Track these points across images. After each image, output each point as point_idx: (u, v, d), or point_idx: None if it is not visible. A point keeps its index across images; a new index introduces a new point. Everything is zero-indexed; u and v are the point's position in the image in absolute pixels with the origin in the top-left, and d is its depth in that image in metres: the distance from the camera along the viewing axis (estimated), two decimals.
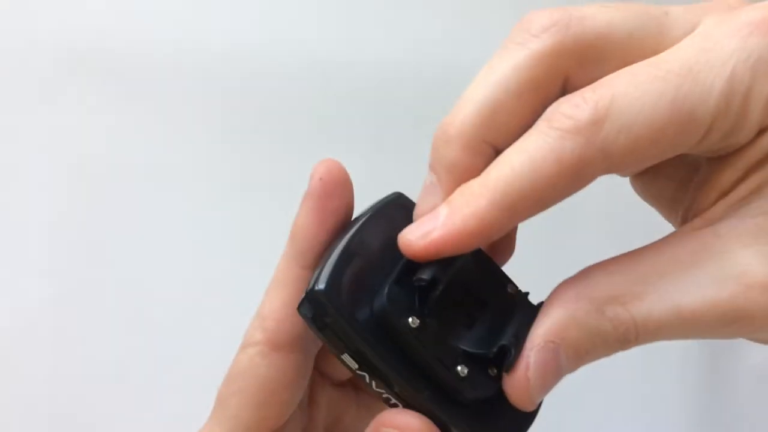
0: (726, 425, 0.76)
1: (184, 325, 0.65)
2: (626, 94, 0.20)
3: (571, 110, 0.20)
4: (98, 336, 0.63)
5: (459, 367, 0.22)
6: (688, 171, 0.25)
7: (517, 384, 0.21)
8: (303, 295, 0.23)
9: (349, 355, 0.22)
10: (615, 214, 0.69)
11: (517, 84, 0.21)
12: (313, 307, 0.22)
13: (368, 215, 0.24)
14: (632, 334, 0.20)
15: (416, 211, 0.23)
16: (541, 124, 0.20)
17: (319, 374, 0.29)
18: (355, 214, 0.26)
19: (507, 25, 0.23)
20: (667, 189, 0.26)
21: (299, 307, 0.23)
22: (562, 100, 0.20)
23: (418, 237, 0.21)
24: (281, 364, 0.25)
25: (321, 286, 0.22)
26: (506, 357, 0.21)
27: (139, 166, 0.65)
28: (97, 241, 0.64)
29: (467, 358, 0.22)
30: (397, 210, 0.25)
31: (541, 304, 0.22)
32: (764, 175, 0.20)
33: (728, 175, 0.21)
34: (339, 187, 0.24)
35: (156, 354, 0.64)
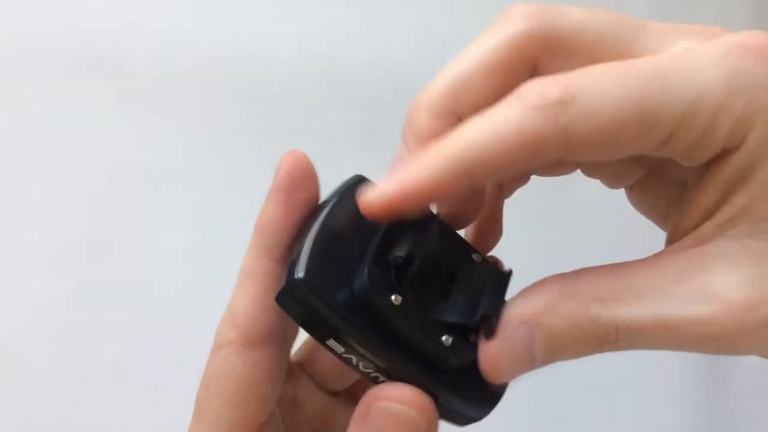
0: (726, 424, 0.76)
1: (184, 325, 0.65)
2: (597, 83, 0.20)
3: (542, 87, 0.20)
4: (98, 336, 0.63)
5: (443, 337, 0.23)
6: (677, 188, 0.26)
7: (489, 352, 0.22)
8: (281, 285, 0.22)
9: (334, 339, 0.22)
10: (612, 226, 0.68)
11: (486, 63, 0.23)
12: (294, 296, 0.22)
13: (334, 200, 0.24)
14: (612, 336, 0.21)
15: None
16: (510, 98, 0.21)
17: (302, 372, 0.29)
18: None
19: None
20: (659, 204, 0.27)
21: (278, 299, 0.23)
22: (535, 78, 0.21)
23: (375, 196, 0.21)
24: (257, 361, 0.25)
25: (300, 274, 0.22)
26: (488, 324, 0.22)
27: (139, 166, 0.65)
28: (97, 240, 0.64)
29: (449, 328, 0.23)
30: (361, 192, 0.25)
31: (511, 272, 0.23)
32: (748, 196, 0.21)
33: (708, 196, 0.21)
34: (306, 179, 0.24)
35: (156, 354, 0.64)
